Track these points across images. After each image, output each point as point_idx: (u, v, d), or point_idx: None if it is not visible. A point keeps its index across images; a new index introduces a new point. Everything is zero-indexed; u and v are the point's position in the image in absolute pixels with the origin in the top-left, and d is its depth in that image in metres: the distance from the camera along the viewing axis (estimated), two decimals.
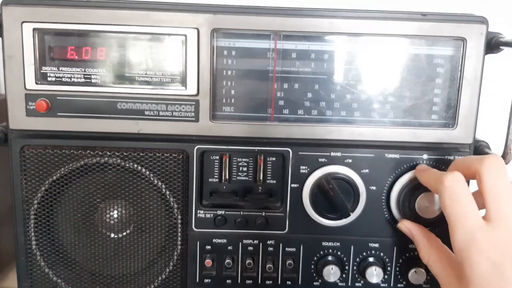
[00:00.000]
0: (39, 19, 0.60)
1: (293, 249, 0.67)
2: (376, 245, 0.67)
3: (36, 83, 0.61)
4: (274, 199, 0.66)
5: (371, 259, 0.67)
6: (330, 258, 0.67)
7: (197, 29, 0.60)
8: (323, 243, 0.67)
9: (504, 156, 0.62)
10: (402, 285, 0.68)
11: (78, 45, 0.61)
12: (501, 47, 0.63)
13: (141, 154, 0.62)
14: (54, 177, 0.62)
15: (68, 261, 0.66)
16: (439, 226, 0.64)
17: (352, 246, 0.67)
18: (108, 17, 0.60)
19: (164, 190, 0.63)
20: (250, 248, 0.66)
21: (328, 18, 0.61)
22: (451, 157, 0.64)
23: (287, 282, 0.67)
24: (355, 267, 0.67)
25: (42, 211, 0.63)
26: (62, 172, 0.62)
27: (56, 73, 0.61)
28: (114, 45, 0.61)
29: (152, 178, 0.63)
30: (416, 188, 0.63)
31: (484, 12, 0.63)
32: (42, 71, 0.61)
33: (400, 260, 0.67)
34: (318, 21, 0.61)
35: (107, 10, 0.60)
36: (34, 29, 0.60)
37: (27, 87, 0.61)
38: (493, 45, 0.63)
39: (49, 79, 0.61)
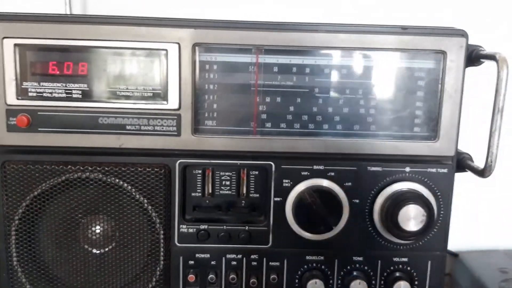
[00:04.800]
0: (20, 34, 0.60)
1: (277, 263, 0.66)
2: (360, 258, 0.66)
3: (17, 99, 0.61)
4: (257, 213, 0.66)
5: (355, 273, 0.67)
6: (314, 272, 0.66)
7: (178, 43, 0.61)
8: (307, 257, 0.66)
9: (484, 170, 0.62)
10: None
11: (60, 60, 0.61)
12: (481, 60, 0.63)
13: (122, 169, 0.62)
14: (36, 193, 0.62)
15: (50, 278, 0.65)
16: (421, 239, 0.64)
17: (336, 260, 0.66)
18: (89, 32, 0.60)
19: (146, 205, 0.63)
20: (234, 262, 0.66)
21: (309, 33, 0.61)
22: (434, 170, 0.64)
23: None
24: (339, 281, 0.67)
25: (24, 227, 0.63)
26: (43, 188, 0.62)
27: (37, 88, 0.61)
28: (96, 60, 0.61)
29: (134, 193, 0.63)
30: (398, 201, 0.63)
31: (464, 26, 0.64)
32: (23, 87, 0.61)
33: (385, 274, 0.67)
34: (300, 35, 0.62)
35: (88, 26, 0.60)
36: (15, 45, 0.60)
37: (8, 102, 0.61)
38: (473, 58, 0.63)
39: (30, 94, 0.61)
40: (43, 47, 0.60)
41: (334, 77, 0.63)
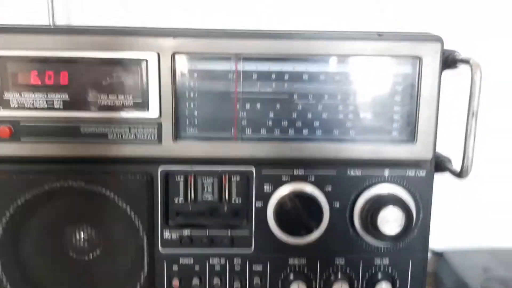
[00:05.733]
0: (1, 46, 0.60)
1: (260, 267, 0.67)
2: (342, 261, 0.67)
3: None
4: (239, 218, 0.66)
5: (338, 275, 0.68)
6: (297, 275, 0.67)
7: (158, 53, 0.61)
8: (290, 261, 0.67)
9: (461, 171, 0.63)
10: None
11: (40, 71, 0.61)
12: (457, 64, 0.64)
13: (105, 177, 0.63)
14: (19, 202, 0.63)
15: (35, 286, 0.66)
16: (401, 241, 0.65)
17: (318, 263, 0.67)
18: (70, 43, 0.61)
19: (129, 212, 0.64)
20: (217, 267, 0.67)
21: (286, 40, 0.62)
22: (412, 173, 0.66)
23: None
24: (322, 283, 0.68)
25: (8, 236, 0.63)
26: (27, 197, 0.62)
27: (19, 98, 0.62)
28: (76, 70, 0.62)
29: (117, 201, 0.64)
30: (378, 204, 0.64)
31: (439, 30, 0.65)
32: (4, 98, 0.61)
33: (367, 275, 0.68)
34: (277, 43, 0.62)
35: (68, 36, 0.61)
36: None
37: None
38: (449, 62, 0.64)
39: (11, 105, 0.62)
40: (24, 58, 0.61)
41: (313, 83, 0.64)
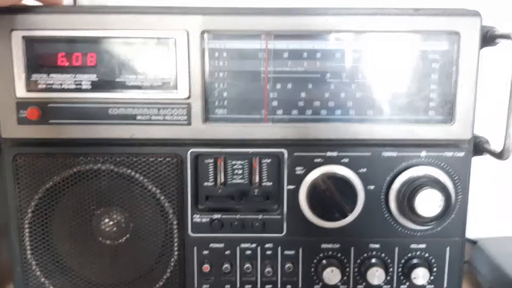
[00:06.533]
0: (28, 26, 0.59)
1: (292, 252, 0.65)
2: (377, 245, 0.65)
3: (27, 91, 0.61)
4: (270, 202, 0.65)
5: (372, 260, 0.66)
6: (330, 260, 0.65)
7: (187, 31, 0.60)
8: (322, 245, 0.65)
9: (502, 152, 0.61)
10: (405, 286, 0.66)
11: (68, 52, 0.60)
12: (496, 40, 0.62)
13: (134, 159, 0.62)
14: (48, 185, 0.62)
15: (64, 270, 0.65)
16: (439, 225, 0.62)
17: (352, 248, 0.66)
18: (96, 22, 0.60)
19: (158, 195, 0.63)
20: (248, 252, 0.65)
21: (320, 16, 0.60)
22: (450, 154, 0.63)
23: (287, 286, 0.66)
24: (356, 269, 0.66)
25: (37, 219, 0.63)
26: (56, 180, 0.62)
27: (47, 80, 0.61)
28: (104, 50, 0.61)
29: (146, 184, 0.62)
30: (415, 186, 0.61)
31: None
32: (32, 79, 0.60)
33: (402, 261, 0.66)
34: (310, 19, 0.60)
35: (95, 15, 0.60)
36: (23, 37, 0.59)
37: (18, 95, 0.61)
38: (488, 38, 0.62)
39: (39, 86, 0.61)
40: (51, 39, 0.60)
41: (346, 61, 0.62)
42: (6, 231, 0.64)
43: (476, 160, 0.65)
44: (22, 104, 0.61)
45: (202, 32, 0.60)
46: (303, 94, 0.63)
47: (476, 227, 0.87)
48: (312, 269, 0.66)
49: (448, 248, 0.66)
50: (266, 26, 0.60)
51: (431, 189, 0.60)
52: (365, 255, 0.65)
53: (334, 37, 0.61)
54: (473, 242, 0.89)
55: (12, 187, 0.62)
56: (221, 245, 0.65)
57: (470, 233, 0.88)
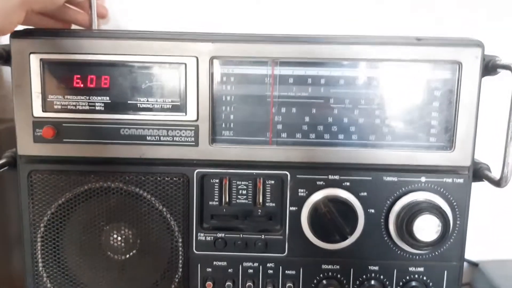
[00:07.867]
0: (45, 50, 0.62)
1: (293, 272, 0.67)
2: (376, 267, 0.67)
3: (43, 111, 0.64)
4: (273, 222, 0.67)
5: (371, 282, 0.67)
6: (330, 281, 0.67)
7: (196, 57, 0.62)
8: (323, 266, 0.67)
9: (500, 180, 0.62)
10: None
11: (83, 74, 0.63)
12: (498, 70, 0.63)
13: (142, 178, 0.64)
14: (60, 201, 0.65)
15: (74, 283, 0.67)
16: (437, 249, 0.64)
17: (352, 269, 0.67)
18: (111, 47, 0.62)
19: (165, 213, 0.65)
20: (250, 270, 0.67)
21: (324, 44, 0.62)
22: (450, 180, 0.65)
23: None
24: None
25: (49, 234, 0.65)
26: (68, 196, 0.64)
27: (62, 101, 0.64)
28: (118, 74, 0.63)
29: (153, 202, 0.65)
30: (414, 211, 0.63)
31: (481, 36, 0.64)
32: (48, 100, 0.63)
33: (401, 283, 0.67)
34: (314, 47, 0.63)
35: (110, 40, 0.62)
36: (41, 60, 0.62)
37: (35, 114, 0.64)
38: (490, 68, 0.63)
39: (55, 107, 0.64)
40: (67, 62, 0.63)
41: (349, 87, 0.64)
42: (19, 243, 0.67)
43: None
44: (38, 123, 0.64)
45: (211, 58, 0.63)
46: (307, 119, 0.65)
47: (478, 249, 0.88)
48: None
49: (446, 272, 0.67)
50: (272, 53, 0.63)
51: (430, 214, 0.62)
52: (364, 276, 0.67)
53: (337, 64, 0.63)
54: (475, 265, 0.90)
55: (27, 202, 0.65)
56: (224, 263, 0.67)
57: (471, 255, 0.89)
